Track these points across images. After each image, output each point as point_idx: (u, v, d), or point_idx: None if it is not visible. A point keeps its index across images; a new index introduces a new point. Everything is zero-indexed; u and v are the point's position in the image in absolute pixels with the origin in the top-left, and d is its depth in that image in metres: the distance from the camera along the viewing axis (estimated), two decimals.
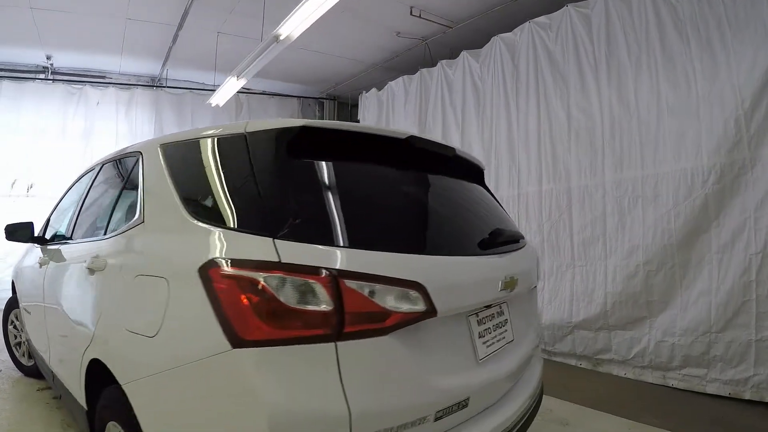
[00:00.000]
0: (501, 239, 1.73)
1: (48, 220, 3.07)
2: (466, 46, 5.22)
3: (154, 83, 6.64)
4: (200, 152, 1.52)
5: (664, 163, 3.50)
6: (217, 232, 1.27)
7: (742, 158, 3.11)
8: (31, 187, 5.83)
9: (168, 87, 6.74)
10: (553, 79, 4.22)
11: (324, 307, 1.11)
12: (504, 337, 1.65)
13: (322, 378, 1.11)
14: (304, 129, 1.34)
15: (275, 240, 1.15)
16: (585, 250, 3.99)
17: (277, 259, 1.12)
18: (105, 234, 1.89)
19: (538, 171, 4.39)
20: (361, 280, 1.15)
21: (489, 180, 4.95)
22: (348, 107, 8.00)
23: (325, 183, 1.35)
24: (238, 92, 7.03)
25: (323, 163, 1.38)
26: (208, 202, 1.39)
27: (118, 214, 1.92)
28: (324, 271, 1.12)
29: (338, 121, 1.59)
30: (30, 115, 5.92)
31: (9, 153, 5.77)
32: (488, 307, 1.59)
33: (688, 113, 3.34)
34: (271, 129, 1.37)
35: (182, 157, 1.62)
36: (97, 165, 2.52)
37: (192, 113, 6.69)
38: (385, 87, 6.44)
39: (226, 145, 1.47)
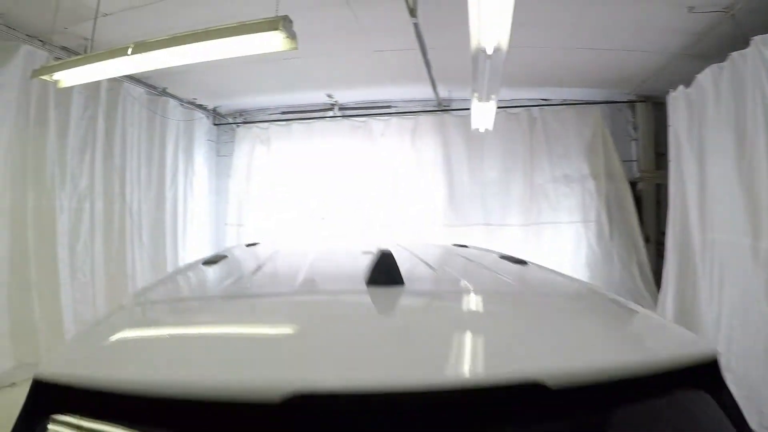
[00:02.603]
0: None
1: None
2: None
3: (438, 107, 6.55)
4: None
5: None
6: None
7: None
8: (323, 219, 6.60)
9: (452, 109, 6.52)
10: None
11: None
12: None
13: None
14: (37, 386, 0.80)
15: None
16: None
17: None
18: None
19: None
20: None
21: None
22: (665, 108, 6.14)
23: None
24: (530, 106, 6.40)
25: None
26: None
27: None
28: None
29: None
30: (319, 152, 6.66)
31: (303, 189, 6.72)
32: None
33: None
34: None
35: None
36: None
37: (481, 134, 5.72)
38: (693, 82, 4.60)
39: None
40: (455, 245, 3.01)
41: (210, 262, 1.86)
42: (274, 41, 3.11)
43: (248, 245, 2.78)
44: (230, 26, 2.92)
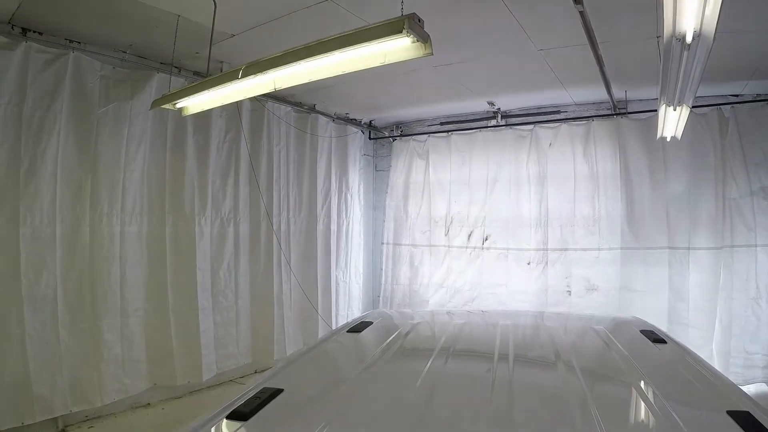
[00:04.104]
0: None
1: None
2: None
3: (613, 110, 5.37)
4: None
5: None
6: None
7: None
8: (486, 239, 5.97)
9: (629, 112, 5.33)
10: None
11: None
12: None
13: None
14: None
15: None
16: None
17: None
18: None
19: None
20: None
21: None
22: None
23: None
24: (719, 104, 5.06)
25: None
26: None
27: None
28: None
29: None
30: (481, 165, 6.02)
31: (464, 205, 6.12)
32: None
33: None
34: None
35: None
36: None
37: (664, 141, 4.60)
38: None
39: None
40: (645, 333, 2.02)
41: None
42: (401, 47, 2.43)
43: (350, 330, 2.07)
44: (340, 36, 2.32)
